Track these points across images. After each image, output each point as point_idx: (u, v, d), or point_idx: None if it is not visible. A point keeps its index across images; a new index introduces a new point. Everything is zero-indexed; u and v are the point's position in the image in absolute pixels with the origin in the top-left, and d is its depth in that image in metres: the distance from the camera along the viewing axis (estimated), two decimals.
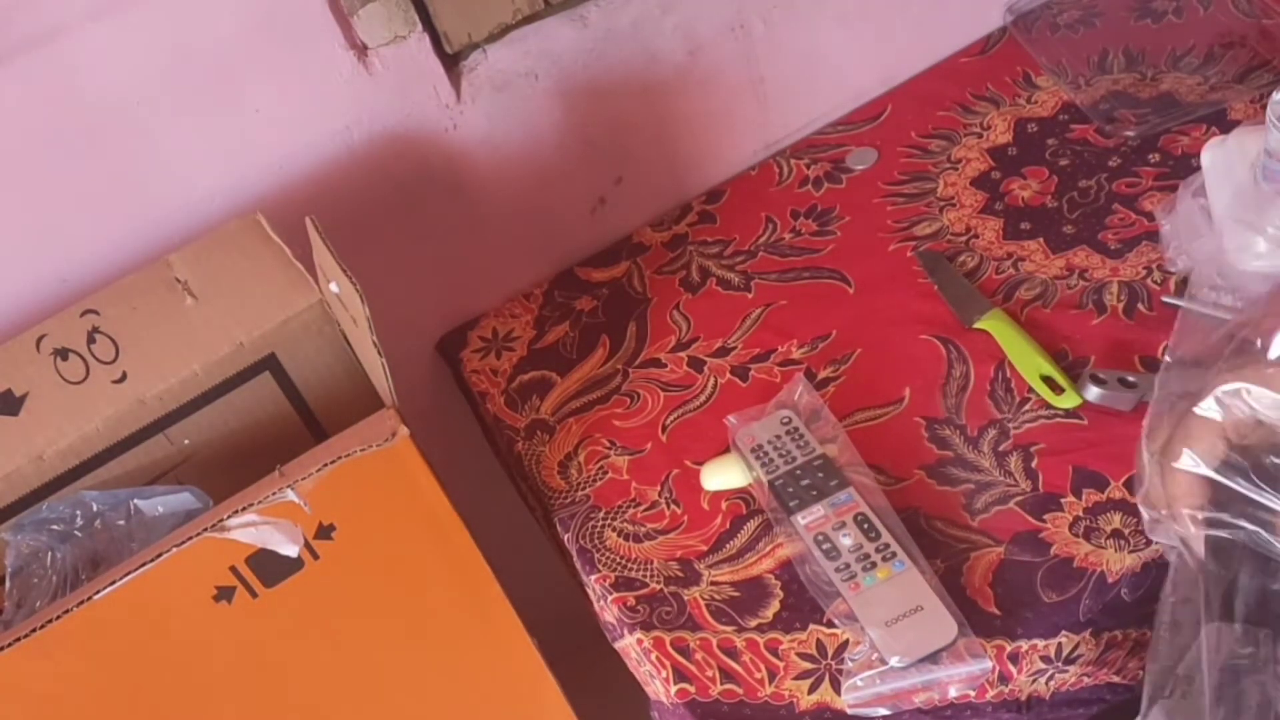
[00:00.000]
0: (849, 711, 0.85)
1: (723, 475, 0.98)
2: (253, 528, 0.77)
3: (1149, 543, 0.88)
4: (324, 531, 0.80)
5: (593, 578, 0.97)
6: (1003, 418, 0.97)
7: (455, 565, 0.87)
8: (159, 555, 0.75)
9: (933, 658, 0.84)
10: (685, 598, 0.93)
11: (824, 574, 0.89)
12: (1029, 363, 0.99)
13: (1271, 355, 0.77)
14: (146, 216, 0.99)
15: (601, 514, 1.00)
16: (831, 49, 1.20)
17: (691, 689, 0.89)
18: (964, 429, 0.97)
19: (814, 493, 0.93)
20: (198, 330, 0.89)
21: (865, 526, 0.90)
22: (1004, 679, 0.86)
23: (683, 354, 1.10)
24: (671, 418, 1.05)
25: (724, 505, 0.98)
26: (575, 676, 1.01)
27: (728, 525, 0.97)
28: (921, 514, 0.93)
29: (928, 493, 0.94)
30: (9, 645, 0.74)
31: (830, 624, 0.88)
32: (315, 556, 0.80)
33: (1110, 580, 0.87)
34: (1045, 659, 0.86)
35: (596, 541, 0.98)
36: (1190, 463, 0.78)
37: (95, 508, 0.86)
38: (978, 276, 1.08)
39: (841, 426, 0.98)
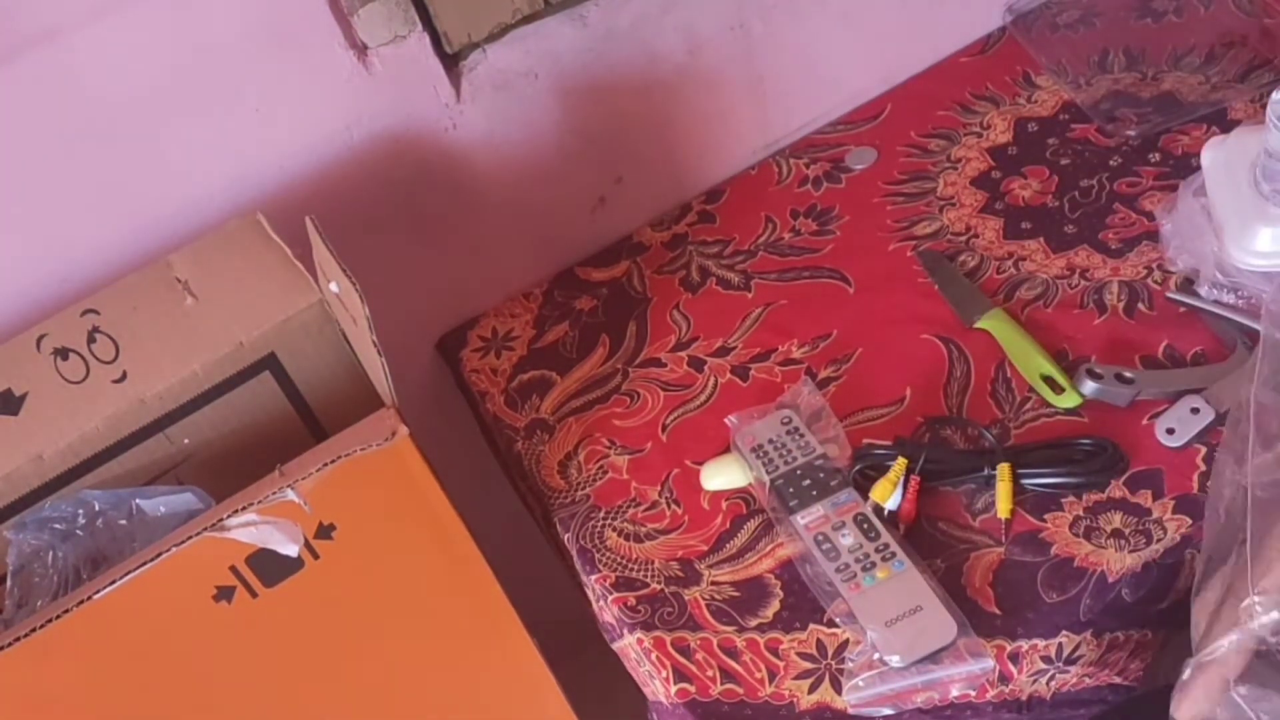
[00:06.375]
0: (850, 711, 0.85)
1: (723, 475, 0.98)
2: (253, 527, 0.77)
3: (1149, 542, 0.88)
4: (324, 531, 0.80)
5: (593, 578, 0.97)
6: (1003, 417, 0.97)
7: (455, 564, 0.87)
8: (159, 555, 0.75)
9: (933, 657, 0.84)
10: (686, 597, 0.93)
11: (824, 574, 0.89)
12: (1029, 362, 0.99)
13: None
14: (147, 216, 0.99)
15: (601, 514, 1.00)
16: (831, 48, 1.20)
17: (692, 689, 0.89)
18: (965, 429, 0.97)
19: (814, 493, 0.93)
20: (198, 330, 0.89)
21: (865, 526, 0.90)
22: (1004, 679, 0.86)
23: (683, 353, 1.09)
24: (671, 417, 1.05)
25: (724, 505, 0.98)
26: (576, 676, 1.01)
27: (728, 525, 0.97)
28: (922, 514, 0.93)
29: (928, 492, 0.94)
30: (9, 645, 0.74)
31: (830, 624, 0.88)
32: (315, 556, 0.80)
33: (1111, 580, 0.87)
34: (1046, 659, 0.86)
35: (597, 541, 0.98)
36: None
37: (97, 507, 0.86)
38: (978, 276, 1.07)
39: (842, 426, 0.98)
